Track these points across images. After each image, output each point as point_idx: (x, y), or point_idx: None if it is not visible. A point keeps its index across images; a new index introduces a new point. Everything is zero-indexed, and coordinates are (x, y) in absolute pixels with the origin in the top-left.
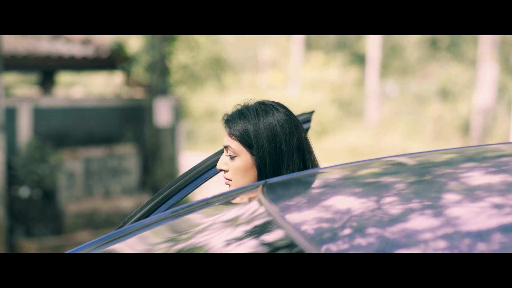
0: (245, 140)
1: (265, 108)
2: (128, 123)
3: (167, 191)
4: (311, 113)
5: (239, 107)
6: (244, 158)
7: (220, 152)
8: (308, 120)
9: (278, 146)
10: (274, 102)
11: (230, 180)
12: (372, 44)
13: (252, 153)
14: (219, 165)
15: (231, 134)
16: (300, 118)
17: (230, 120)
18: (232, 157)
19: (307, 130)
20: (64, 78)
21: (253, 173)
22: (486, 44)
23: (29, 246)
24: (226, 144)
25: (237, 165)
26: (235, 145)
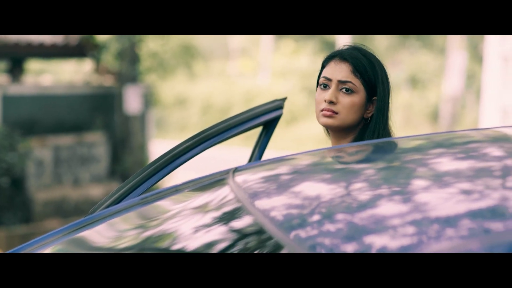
0: (369, 81)
1: (380, 60)
2: (97, 110)
3: (136, 178)
4: (284, 99)
5: (357, 47)
6: (362, 95)
7: (190, 140)
8: (280, 107)
9: (389, 98)
10: None
11: (336, 113)
12: None
13: (368, 93)
14: (330, 97)
15: (355, 71)
16: (272, 105)
17: (355, 58)
18: (349, 92)
19: (279, 117)
20: (33, 65)
21: (361, 112)
22: None
23: None
24: (345, 79)
25: (354, 100)
26: (357, 82)
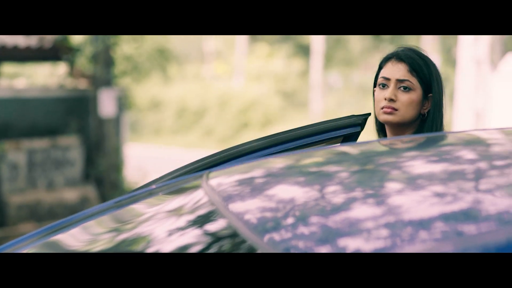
0: (424, 78)
1: (432, 60)
2: (72, 114)
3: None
4: (365, 116)
5: (412, 48)
6: (419, 92)
7: (263, 139)
8: (357, 124)
9: (443, 94)
10: None
11: (396, 110)
12: (316, 36)
13: (424, 91)
14: (390, 95)
15: (412, 70)
16: (348, 121)
17: (411, 58)
18: (407, 90)
19: (357, 134)
20: (7, 69)
21: (418, 108)
22: (429, 37)
23: None
24: (403, 77)
25: (412, 97)
26: (414, 80)
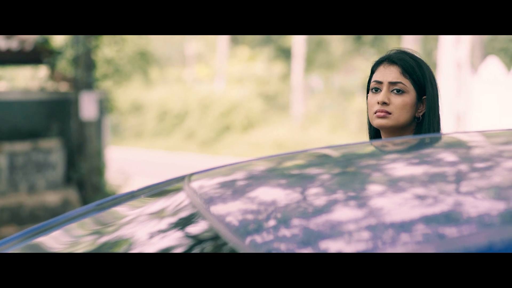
0: (418, 81)
1: (425, 62)
2: (53, 117)
3: None
4: None
5: (404, 50)
6: (412, 95)
7: None
8: None
9: (438, 97)
10: None
11: (390, 114)
12: (297, 39)
13: (418, 93)
14: (383, 98)
15: (404, 73)
16: None
17: (403, 60)
18: (400, 93)
19: None
20: None
21: (413, 111)
22: (409, 40)
23: None
24: (396, 80)
25: (406, 100)
26: (407, 83)
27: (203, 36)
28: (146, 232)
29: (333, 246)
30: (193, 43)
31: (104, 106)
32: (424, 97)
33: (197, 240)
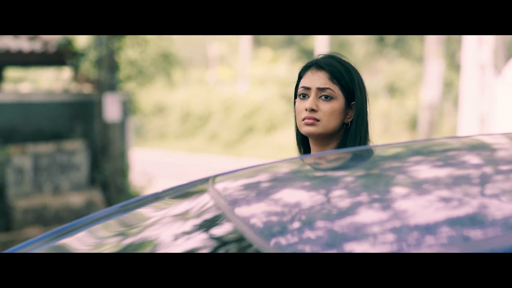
0: (346, 86)
1: (354, 66)
2: (77, 118)
3: None
4: None
5: (332, 55)
6: (341, 101)
7: None
8: None
9: (367, 102)
10: None
11: (318, 121)
12: (320, 41)
13: (347, 99)
14: (311, 105)
15: (332, 78)
16: None
17: (331, 65)
18: (329, 99)
19: None
20: (11, 73)
21: (341, 118)
22: (433, 41)
23: None
24: (324, 86)
25: (334, 106)
26: (336, 88)
27: (226, 37)
28: (170, 233)
29: (357, 248)
30: (215, 44)
31: (128, 108)
32: (353, 102)
33: (222, 241)
